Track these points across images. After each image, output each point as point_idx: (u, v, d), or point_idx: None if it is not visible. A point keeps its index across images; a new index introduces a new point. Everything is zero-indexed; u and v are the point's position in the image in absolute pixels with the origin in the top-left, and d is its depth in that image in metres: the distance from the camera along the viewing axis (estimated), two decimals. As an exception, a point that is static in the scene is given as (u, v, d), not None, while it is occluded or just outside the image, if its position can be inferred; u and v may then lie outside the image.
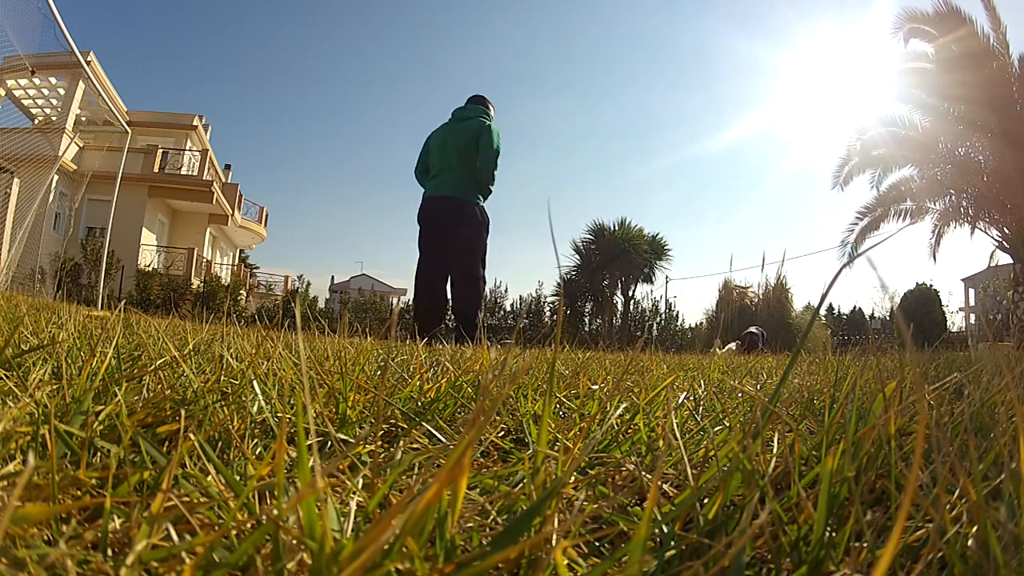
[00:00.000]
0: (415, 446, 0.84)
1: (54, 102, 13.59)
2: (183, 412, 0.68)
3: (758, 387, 1.66)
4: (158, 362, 0.95)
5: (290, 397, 0.92)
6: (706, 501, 0.54)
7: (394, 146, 55.34)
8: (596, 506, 0.56)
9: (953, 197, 11.11)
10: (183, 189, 18.51)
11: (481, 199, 4.29)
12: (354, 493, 0.52)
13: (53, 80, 12.91)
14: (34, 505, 0.43)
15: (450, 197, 4.18)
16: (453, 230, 4.17)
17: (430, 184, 4.30)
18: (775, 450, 0.66)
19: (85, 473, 0.51)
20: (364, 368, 1.25)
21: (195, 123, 20.48)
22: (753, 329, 9.76)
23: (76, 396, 0.70)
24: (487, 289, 4.37)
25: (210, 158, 20.50)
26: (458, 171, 4.19)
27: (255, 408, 0.81)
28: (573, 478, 0.62)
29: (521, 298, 24.74)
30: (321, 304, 24.08)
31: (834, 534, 0.48)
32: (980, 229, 11.11)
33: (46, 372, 0.91)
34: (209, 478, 0.52)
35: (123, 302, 1.78)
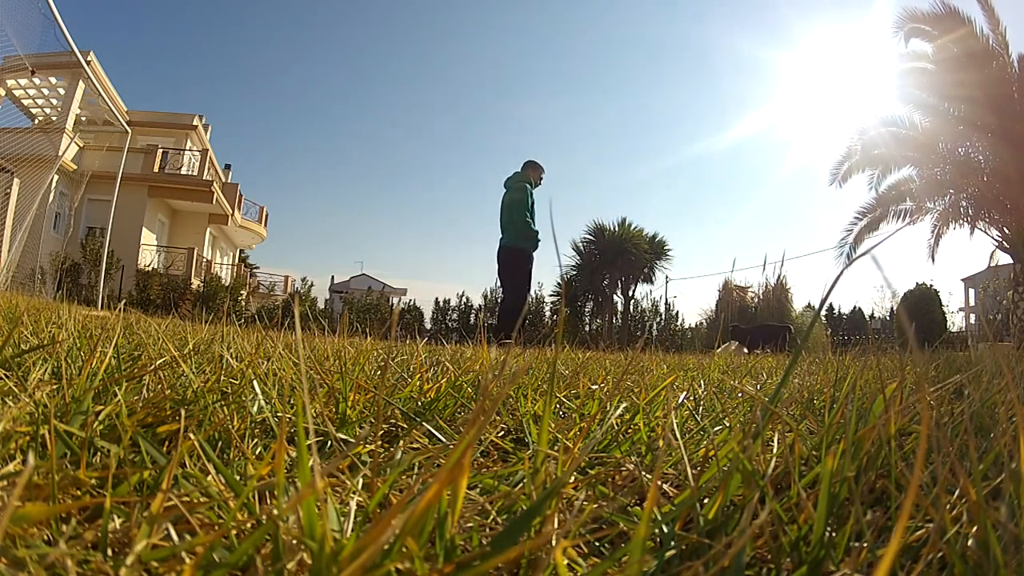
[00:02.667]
0: (415, 446, 0.84)
1: (54, 102, 13.58)
2: (183, 412, 0.68)
3: (758, 387, 1.66)
4: (158, 362, 0.95)
5: (290, 397, 0.92)
6: (706, 501, 0.54)
7: (394, 146, 55.29)
8: (596, 506, 0.56)
9: (953, 197, 11.11)
10: (183, 189, 18.49)
11: (531, 247, 6.02)
12: (354, 493, 0.52)
13: (53, 80, 12.90)
14: (34, 505, 0.43)
15: (508, 247, 6.04)
16: (511, 269, 6.06)
17: (502, 237, 6.18)
18: (775, 450, 0.66)
19: (85, 473, 0.51)
20: (364, 368, 1.25)
21: (195, 123, 20.47)
22: (775, 324, 9.46)
23: (76, 396, 0.70)
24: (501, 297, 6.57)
25: (210, 158, 20.49)
26: (512, 228, 5.99)
27: (255, 408, 0.81)
28: (573, 478, 0.62)
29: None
30: (321, 304, 24.09)
31: (834, 534, 0.48)
32: (980, 229, 11.10)
33: (46, 372, 0.91)
34: (209, 478, 0.52)
35: (123, 302, 1.78)
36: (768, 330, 11.28)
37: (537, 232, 6.02)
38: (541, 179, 6.21)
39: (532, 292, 6.26)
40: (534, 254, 6.10)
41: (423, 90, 56.79)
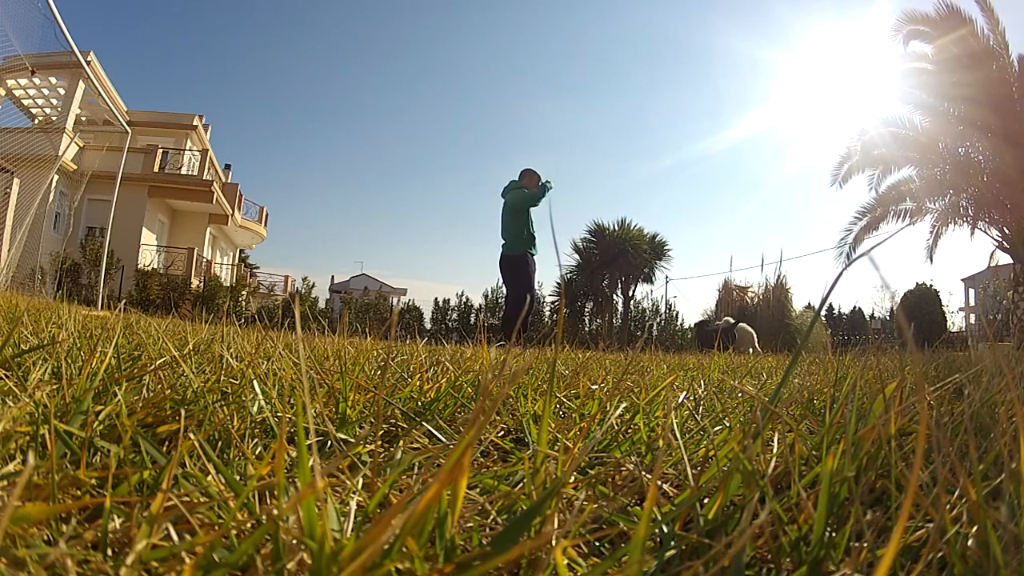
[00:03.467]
0: (415, 446, 0.84)
1: (54, 102, 13.57)
2: (183, 412, 0.68)
3: (758, 387, 1.66)
4: (158, 362, 0.95)
5: (290, 397, 0.92)
6: (706, 501, 0.54)
7: (394, 145, 55.32)
8: (596, 506, 0.56)
9: (953, 197, 11.11)
10: (183, 189, 18.49)
11: (532, 251, 6.26)
12: (354, 493, 0.52)
13: (53, 80, 12.88)
14: (34, 505, 0.43)
15: (507, 254, 6.28)
16: (512, 275, 6.30)
17: (503, 244, 6.43)
18: (775, 450, 0.66)
19: (85, 473, 0.51)
20: (364, 368, 1.25)
21: (195, 123, 20.46)
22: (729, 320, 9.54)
23: (76, 396, 0.70)
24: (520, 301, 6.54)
25: (210, 158, 20.48)
26: (511, 234, 6.23)
27: (255, 408, 0.81)
28: (573, 478, 0.62)
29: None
30: (321, 304, 24.08)
31: (834, 534, 0.48)
32: (980, 229, 11.10)
33: (46, 372, 0.91)
34: (209, 478, 0.52)
35: (123, 302, 1.78)
36: (713, 330, 11.83)
37: (532, 235, 6.23)
38: (537, 184, 6.40)
39: (533, 293, 6.32)
40: (534, 257, 6.31)
41: (423, 90, 56.85)
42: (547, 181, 6.21)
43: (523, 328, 5.95)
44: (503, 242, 6.37)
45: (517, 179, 6.43)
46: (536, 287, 6.62)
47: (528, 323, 6.40)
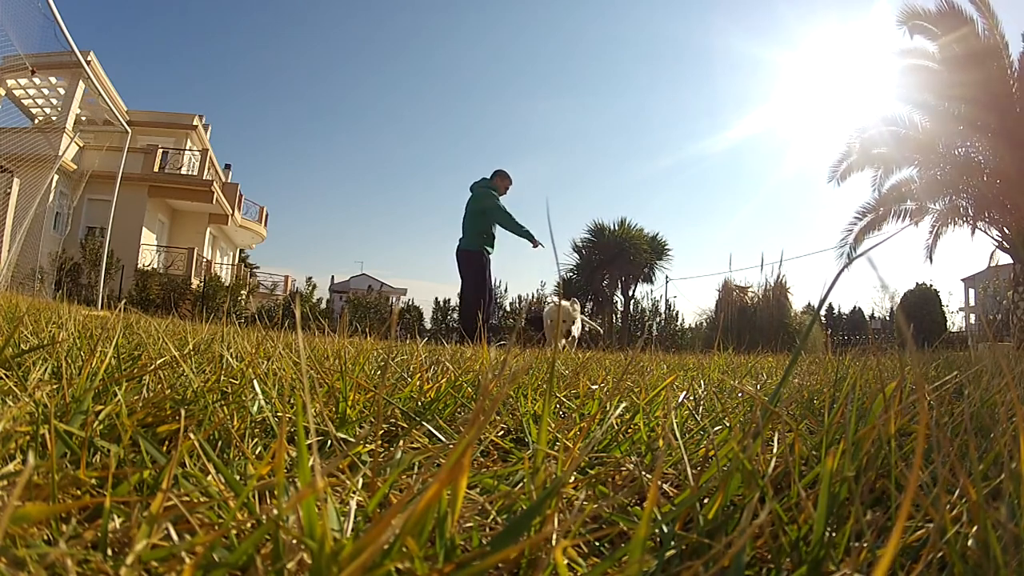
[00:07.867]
0: (415, 446, 0.84)
1: (54, 102, 13.57)
2: (183, 412, 0.68)
3: (758, 387, 1.66)
4: (158, 362, 0.95)
5: (290, 396, 0.92)
6: (706, 501, 0.54)
7: (394, 145, 55.34)
8: (596, 506, 0.56)
9: (953, 197, 11.10)
10: (183, 189, 18.49)
11: (488, 249, 6.31)
12: (354, 493, 0.52)
13: (53, 80, 12.88)
14: (34, 505, 0.43)
15: (463, 249, 6.33)
16: (466, 270, 6.32)
17: (461, 239, 6.44)
18: (775, 450, 0.66)
19: (85, 473, 0.51)
20: (364, 368, 1.25)
21: (195, 123, 20.46)
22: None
23: (76, 396, 0.70)
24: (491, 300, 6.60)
25: (210, 158, 20.48)
26: (468, 230, 6.30)
27: (255, 407, 0.81)
28: (573, 478, 0.62)
29: (521, 298, 24.77)
30: (323, 304, 24.08)
31: (834, 534, 0.48)
32: (980, 229, 11.09)
33: (46, 372, 0.91)
34: (209, 478, 0.52)
35: (123, 302, 1.78)
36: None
37: (493, 235, 6.30)
38: (508, 188, 6.49)
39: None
40: (489, 256, 6.44)
41: (423, 90, 56.82)
42: (534, 239, 6.26)
43: (485, 324, 5.96)
44: (460, 236, 6.40)
45: (488, 177, 6.44)
46: (493, 285, 6.63)
47: (488, 319, 6.40)
